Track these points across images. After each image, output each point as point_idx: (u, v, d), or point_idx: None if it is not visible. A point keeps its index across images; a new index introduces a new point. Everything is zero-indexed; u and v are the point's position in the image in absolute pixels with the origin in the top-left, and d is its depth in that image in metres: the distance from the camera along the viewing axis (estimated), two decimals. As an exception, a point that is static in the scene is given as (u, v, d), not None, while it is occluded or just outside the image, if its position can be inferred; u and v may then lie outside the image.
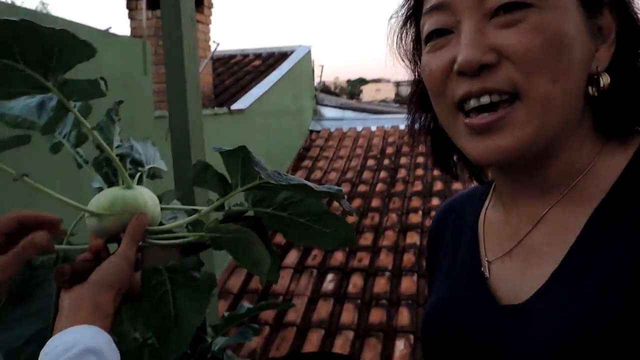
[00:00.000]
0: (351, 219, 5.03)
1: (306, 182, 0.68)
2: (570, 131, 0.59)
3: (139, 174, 0.84)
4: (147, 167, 0.89)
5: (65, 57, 0.66)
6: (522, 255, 0.63)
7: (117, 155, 0.82)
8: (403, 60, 0.73)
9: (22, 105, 0.78)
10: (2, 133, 0.76)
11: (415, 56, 0.71)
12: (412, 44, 0.70)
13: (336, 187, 0.73)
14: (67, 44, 0.64)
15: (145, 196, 0.76)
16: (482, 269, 0.67)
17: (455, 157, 0.74)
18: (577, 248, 0.56)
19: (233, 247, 0.77)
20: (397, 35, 0.71)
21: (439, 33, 0.60)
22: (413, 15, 0.68)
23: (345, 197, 0.74)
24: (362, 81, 43.82)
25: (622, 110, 0.58)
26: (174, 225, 0.79)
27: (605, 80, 0.58)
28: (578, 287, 0.54)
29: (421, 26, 0.64)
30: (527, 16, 0.54)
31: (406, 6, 0.69)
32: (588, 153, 0.60)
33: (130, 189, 0.76)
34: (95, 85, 0.71)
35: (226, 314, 1.35)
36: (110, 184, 0.81)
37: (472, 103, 0.57)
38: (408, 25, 0.70)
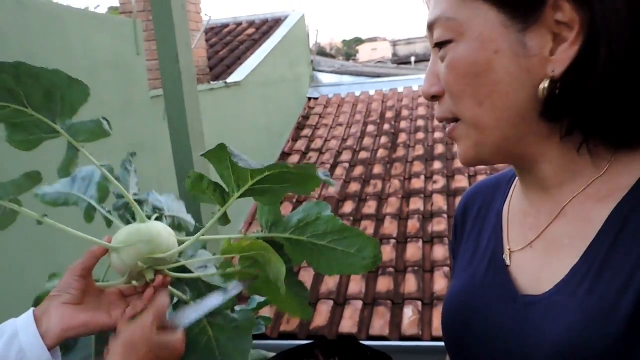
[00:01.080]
0: (354, 187, 5.03)
1: (284, 162, 0.70)
2: (537, 138, 0.59)
3: (155, 215, 0.85)
4: (167, 213, 0.91)
5: (68, 102, 0.71)
6: (543, 246, 0.63)
7: (136, 200, 0.84)
8: None
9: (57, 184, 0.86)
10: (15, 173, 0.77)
11: None
12: None
13: (311, 164, 0.73)
14: (64, 84, 0.69)
15: (158, 227, 0.77)
16: (503, 257, 0.67)
17: None
18: (597, 243, 0.56)
19: (251, 272, 0.77)
20: None
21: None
22: None
23: (322, 170, 0.73)
24: (358, 40, 43.14)
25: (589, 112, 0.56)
26: (185, 245, 0.79)
27: (542, 86, 0.56)
28: (596, 284, 0.54)
29: None
30: (448, 52, 0.59)
31: None
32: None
33: (144, 222, 0.78)
34: (99, 125, 0.75)
35: (238, 308, 1.37)
36: None
37: None
38: None
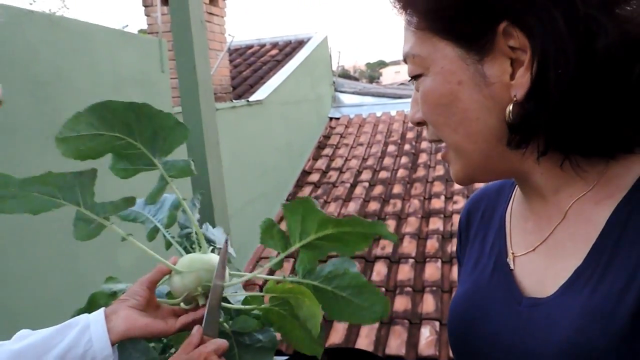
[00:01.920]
0: (373, 206, 5.03)
1: (356, 216, 0.79)
2: (513, 157, 0.61)
3: (211, 247, 0.95)
4: (218, 245, 1.01)
5: (169, 141, 0.83)
6: (546, 250, 0.64)
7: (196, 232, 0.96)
8: None
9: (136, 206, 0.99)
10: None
11: None
12: None
13: (380, 222, 0.82)
14: (170, 126, 0.82)
15: (217, 259, 0.88)
16: (507, 261, 0.68)
17: None
18: (600, 244, 0.57)
19: (283, 314, 0.86)
20: None
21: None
22: None
23: (387, 226, 0.82)
24: (382, 63, 43.36)
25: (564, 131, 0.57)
26: (242, 280, 0.90)
27: (509, 110, 0.58)
28: (600, 284, 0.55)
29: None
30: (420, 85, 0.64)
31: None
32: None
33: (206, 254, 0.89)
34: (188, 164, 0.88)
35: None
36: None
37: None
38: None
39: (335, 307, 0.87)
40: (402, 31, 0.65)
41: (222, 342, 0.79)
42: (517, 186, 0.75)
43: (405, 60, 0.65)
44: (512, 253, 0.69)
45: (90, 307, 0.91)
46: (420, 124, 0.67)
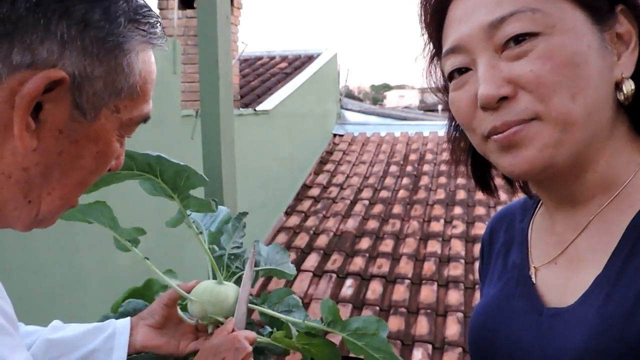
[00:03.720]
0: (372, 224, 5.01)
1: None
2: (601, 142, 0.60)
3: (239, 273, 0.99)
4: (261, 268, 1.03)
5: (190, 182, 0.90)
6: (567, 261, 0.64)
7: (230, 254, 1.01)
8: (436, 95, 0.74)
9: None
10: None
11: (446, 90, 0.72)
12: (442, 79, 0.72)
13: None
14: (190, 173, 0.89)
15: (229, 291, 0.90)
16: (529, 274, 0.69)
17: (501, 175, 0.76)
18: (617, 254, 0.58)
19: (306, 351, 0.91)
20: (427, 72, 0.73)
21: (459, 71, 0.63)
22: (436, 55, 0.70)
23: None
24: (386, 87, 43.71)
25: None
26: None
27: (627, 86, 0.59)
28: (614, 290, 0.56)
29: (442, 66, 0.66)
30: (536, 45, 0.56)
31: (427, 49, 0.71)
32: (627, 162, 0.61)
33: (221, 284, 0.91)
34: (207, 202, 0.94)
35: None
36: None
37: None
38: (435, 63, 0.72)
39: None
40: None
41: (251, 332, 0.86)
42: (540, 203, 0.75)
43: (500, 21, 0.57)
44: (534, 266, 0.69)
45: (145, 290, 1.00)
46: (501, 100, 0.58)
